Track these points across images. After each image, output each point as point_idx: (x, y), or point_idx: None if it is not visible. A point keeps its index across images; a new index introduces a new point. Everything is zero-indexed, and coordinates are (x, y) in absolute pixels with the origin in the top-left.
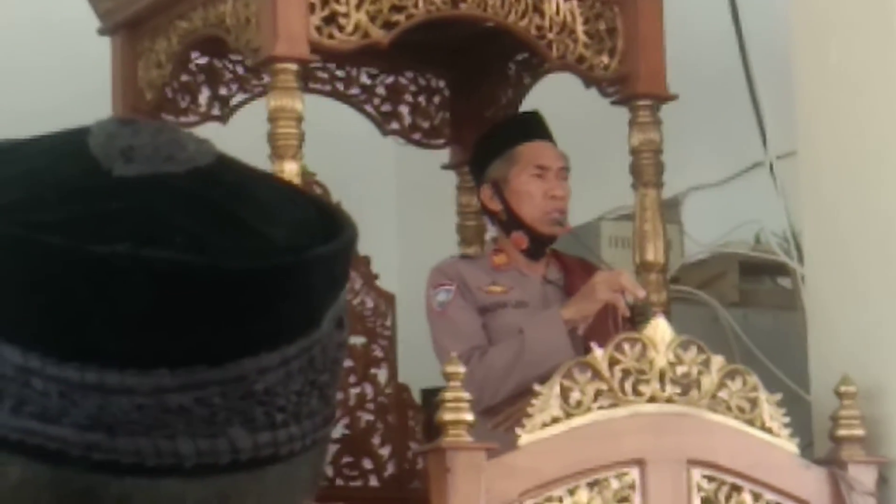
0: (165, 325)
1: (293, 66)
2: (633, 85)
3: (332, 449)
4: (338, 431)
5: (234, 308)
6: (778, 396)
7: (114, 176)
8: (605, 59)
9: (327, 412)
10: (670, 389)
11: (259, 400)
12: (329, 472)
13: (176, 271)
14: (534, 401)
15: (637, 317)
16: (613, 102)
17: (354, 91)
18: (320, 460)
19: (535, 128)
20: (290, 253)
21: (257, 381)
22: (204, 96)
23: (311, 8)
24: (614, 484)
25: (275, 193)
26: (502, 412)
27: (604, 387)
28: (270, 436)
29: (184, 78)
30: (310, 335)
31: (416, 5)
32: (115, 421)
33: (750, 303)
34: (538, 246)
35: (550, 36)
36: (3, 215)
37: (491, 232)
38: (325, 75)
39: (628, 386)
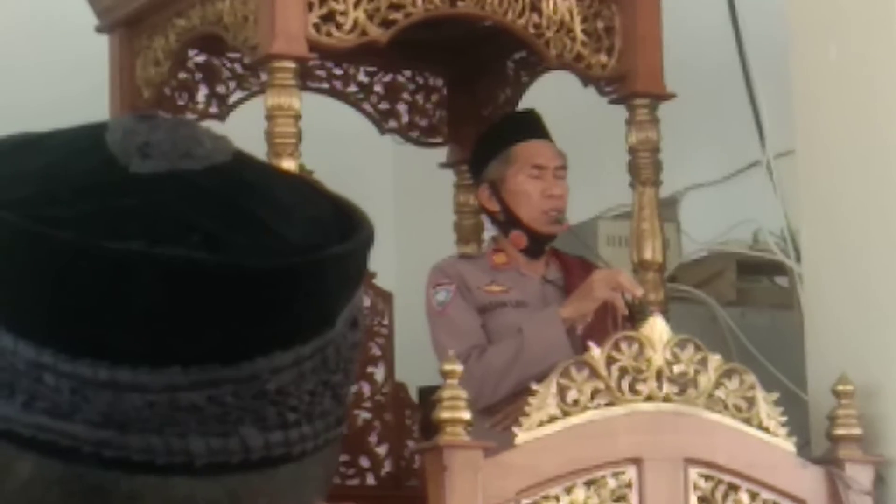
0: (178, 324)
1: (291, 64)
2: (631, 83)
3: None
4: None
5: (248, 307)
6: (775, 395)
7: (130, 172)
8: (602, 57)
9: (340, 412)
10: (667, 388)
11: (271, 399)
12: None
13: (190, 269)
14: (531, 399)
15: (636, 315)
16: (611, 101)
17: (352, 89)
18: (332, 460)
19: (530, 127)
20: (305, 252)
21: (270, 380)
22: (202, 94)
23: (309, 6)
24: (611, 483)
25: (291, 191)
26: (501, 411)
27: (601, 385)
28: (282, 435)
29: (182, 76)
30: (323, 335)
31: (414, 4)
32: (127, 418)
33: (747, 302)
34: (537, 245)
35: (548, 34)
36: (18, 209)
37: (490, 231)
38: (322, 73)
39: (625, 385)
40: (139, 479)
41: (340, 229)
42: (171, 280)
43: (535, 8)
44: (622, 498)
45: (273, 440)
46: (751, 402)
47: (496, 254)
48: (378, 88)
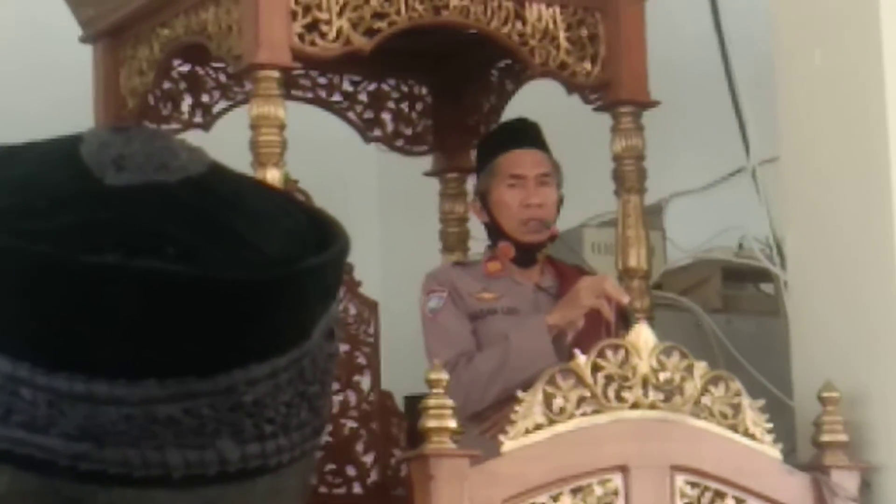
0: (155, 336)
1: (275, 74)
2: (616, 91)
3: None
4: None
5: (224, 319)
6: (761, 402)
7: (105, 185)
8: (587, 65)
9: (317, 423)
10: (653, 396)
11: (248, 411)
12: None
13: (166, 282)
14: (517, 407)
15: (628, 322)
16: (596, 109)
17: (337, 98)
18: (309, 471)
19: (514, 137)
20: (281, 264)
21: (246, 392)
22: (186, 104)
23: (293, 15)
24: (598, 490)
25: (268, 203)
26: (489, 418)
27: (587, 393)
28: (259, 447)
29: (166, 85)
30: (300, 346)
31: (398, 12)
32: (103, 431)
33: (733, 309)
34: (526, 254)
35: (532, 43)
36: None
37: (481, 239)
38: (307, 82)
39: (611, 392)
40: (116, 493)
41: (316, 241)
42: (147, 293)
43: (519, 16)
44: None
45: (250, 452)
46: (737, 408)
47: (491, 261)
48: (362, 97)
